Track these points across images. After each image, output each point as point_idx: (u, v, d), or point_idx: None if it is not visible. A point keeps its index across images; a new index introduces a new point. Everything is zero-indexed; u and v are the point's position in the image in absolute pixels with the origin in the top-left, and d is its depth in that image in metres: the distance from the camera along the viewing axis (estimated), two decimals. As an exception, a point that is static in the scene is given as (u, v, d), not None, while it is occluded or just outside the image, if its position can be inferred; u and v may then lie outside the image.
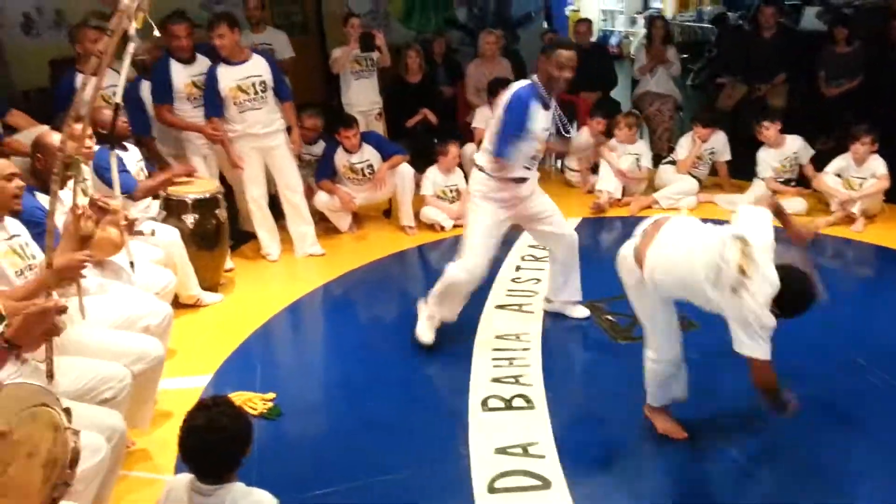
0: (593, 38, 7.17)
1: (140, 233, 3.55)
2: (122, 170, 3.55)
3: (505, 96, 3.28)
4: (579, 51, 6.41)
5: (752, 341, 2.26)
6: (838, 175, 4.86)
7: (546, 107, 3.28)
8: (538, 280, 4.19)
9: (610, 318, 3.71)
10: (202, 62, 4.52)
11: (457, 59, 7.01)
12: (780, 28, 6.40)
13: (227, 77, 4.38)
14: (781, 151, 5.17)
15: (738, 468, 2.63)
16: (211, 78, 4.40)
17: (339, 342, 3.85)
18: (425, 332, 3.50)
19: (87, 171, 3.33)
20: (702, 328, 3.56)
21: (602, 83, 6.47)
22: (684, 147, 5.47)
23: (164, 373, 3.05)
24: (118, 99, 2.98)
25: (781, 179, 5.19)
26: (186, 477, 1.92)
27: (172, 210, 4.05)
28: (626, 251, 2.62)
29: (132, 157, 3.99)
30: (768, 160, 5.17)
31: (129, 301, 3.06)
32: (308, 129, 5.22)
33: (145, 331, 2.96)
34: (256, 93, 4.43)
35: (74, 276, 2.54)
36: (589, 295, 3.91)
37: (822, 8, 7.74)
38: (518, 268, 4.39)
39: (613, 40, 12.14)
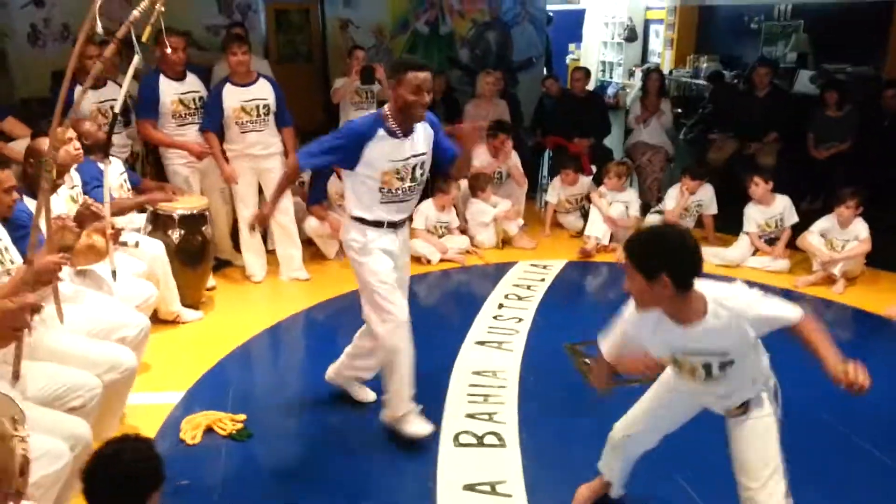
0: (591, 87, 7.30)
1: (124, 243, 3.55)
2: (98, 185, 3.55)
3: None
4: (575, 98, 6.62)
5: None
6: (822, 235, 4.92)
7: (395, 135, 2.81)
8: (520, 319, 4.20)
9: (587, 362, 3.71)
10: (192, 80, 4.57)
11: (456, 97, 7.12)
12: (774, 88, 6.55)
13: (233, 97, 4.44)
14: (769, 209, 5.24)
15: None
16: (216, 95, 4.46)
17: (316, 368, 3.81)
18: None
19: (76, 177, 3.36)
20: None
21: (595, 130, 6.57)
22: (672, 198, 5.54)
23: (135, 387, 3.03)
24: (118, 110, 3.01)
25: (766, 238, 5.25)
26: None
27: (159, 224, 4.05)
28: None
29: (115, 170, 3.99)
30: (754, 216, 5.24)
31: (108, 311, 3.05)
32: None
33: (121, 342, 2.94)
34: (259, 115, 4.50)
35: (50, 278, 2.53)
36: (569, 338, 3.93)
37: (816, 72, 7.92)
38: (501, 305, 4.39)
39: (610, 91, 12.36)
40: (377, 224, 2.91)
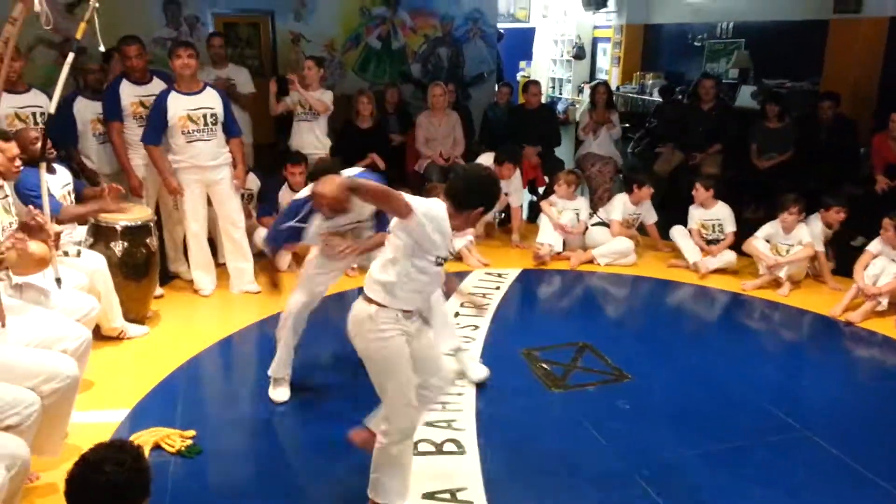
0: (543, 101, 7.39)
1: (65, 253, 3.40)
2: (38, 194, 3.40)
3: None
4: (526, 111, 6.69)
5: None
6: (767, 241, 5.06)
7: None
8: (476, 326, 4.17)
9: (545, 366, 3.71)
10: (157, 85, 4.52)
11: (409, 111, 7.13)
12: (718, 102, 6.75)
13: (178, 105, 4.33)
14: (708, 212, 5.40)
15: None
16: (160, 103, 4.34)
17: (268, 381, 3.72)
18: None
19: (8, 188, 3.20)
20: (636, 380, 3.61)
21: (546, 141, 6.65)
22: (616, 209, 5.59)
23: (78, 406, 2.89)
24: (52, 111, 2.90)
25: (707, 239, 5.38)
26: None
27: (100, 236, 3.90)
28: None
29: (59, 181, 3.82)
30: (696, 214, 5.43)
31: (47, 323, 2.90)
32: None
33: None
34: (206, 124, 4.39)
35: None
36: (526, 343, 3.94)
37: (757, 88, 8.20)
38: (457, 314, 4.36)
39: (560, 106, 12.57)
40: None
